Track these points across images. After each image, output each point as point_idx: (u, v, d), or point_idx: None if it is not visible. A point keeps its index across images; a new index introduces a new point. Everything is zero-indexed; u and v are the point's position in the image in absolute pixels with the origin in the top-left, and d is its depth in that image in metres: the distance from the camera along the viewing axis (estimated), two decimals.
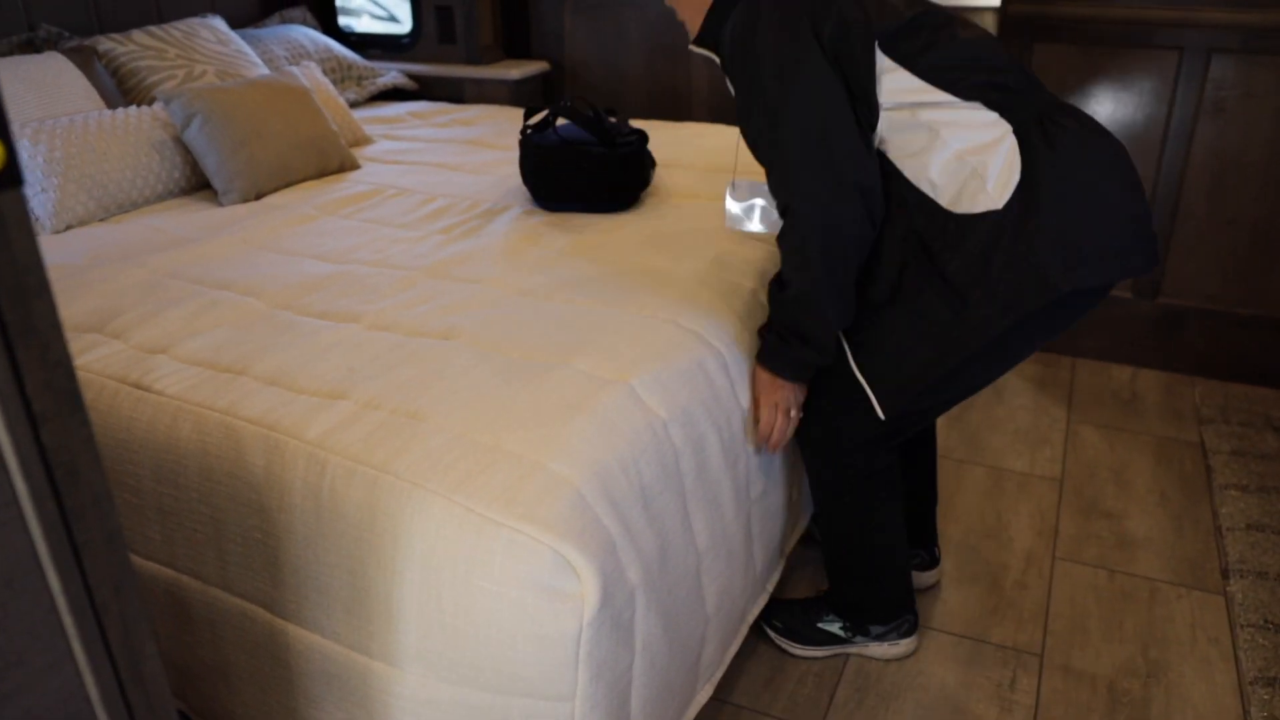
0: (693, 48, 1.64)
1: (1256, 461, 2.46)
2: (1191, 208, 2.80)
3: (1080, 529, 2.26)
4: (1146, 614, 2.00)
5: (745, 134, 1.56)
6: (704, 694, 1.57)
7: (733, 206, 1.89)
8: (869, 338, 1.57)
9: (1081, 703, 1.78)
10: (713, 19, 1.57)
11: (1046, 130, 1.44)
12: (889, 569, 1.80)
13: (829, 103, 1.44)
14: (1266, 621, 1.93)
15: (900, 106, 1.47)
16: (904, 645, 1.87)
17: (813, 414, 1.68)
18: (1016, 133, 1.44)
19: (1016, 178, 1.42)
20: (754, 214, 1.88)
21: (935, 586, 2.07)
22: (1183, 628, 1.96)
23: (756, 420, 1.62)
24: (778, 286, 1.57)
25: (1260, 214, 2.73)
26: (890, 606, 1.84)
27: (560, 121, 2.30)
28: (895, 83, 1.46)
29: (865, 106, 1.48)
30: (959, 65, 1.46)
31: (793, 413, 1.62)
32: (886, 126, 1.49)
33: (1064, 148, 1.43)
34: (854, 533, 1.77)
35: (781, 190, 1.50)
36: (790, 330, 1.55)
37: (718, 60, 1.61)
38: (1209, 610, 2.00)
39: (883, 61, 1.46)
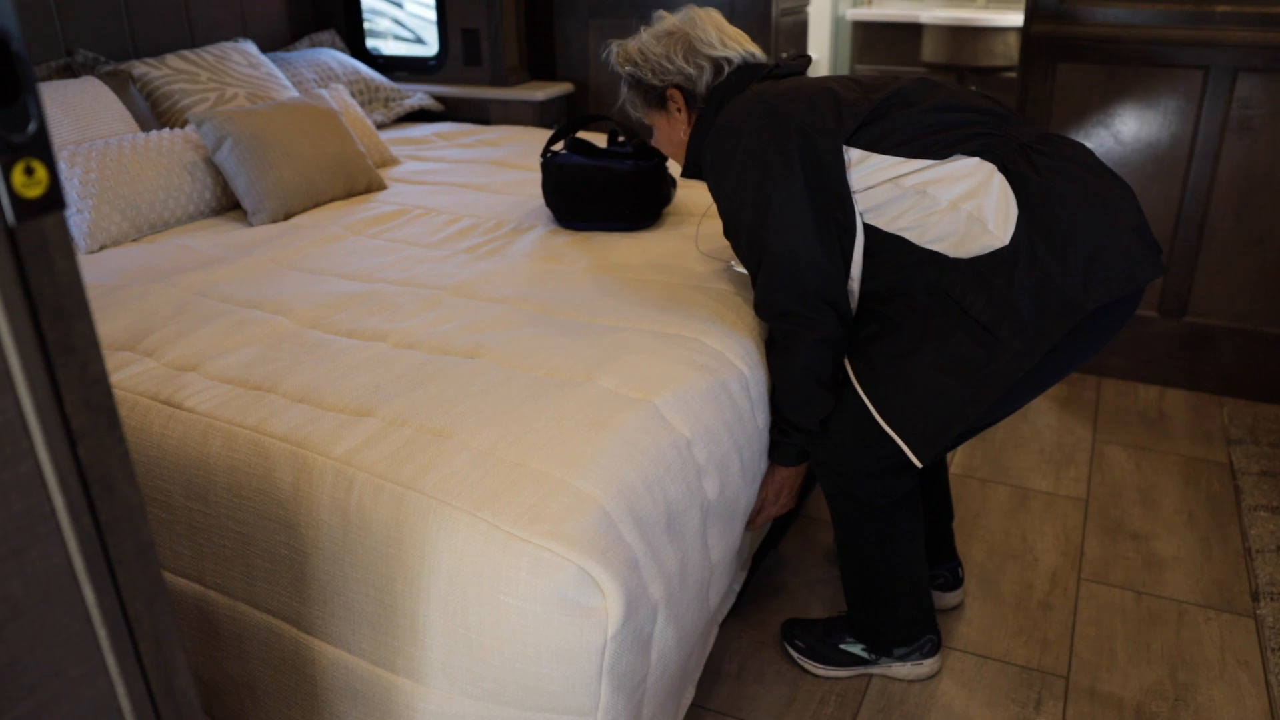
0: (683, 179, 1.79)
1: None
2: (1218, 226, 2.79)
3: (1106, 550, 2.24)
4: (1174, 636, 1.98)
5: (735, 251, 1.69)
6: (688, 696, 1.59)
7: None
8: (893, 391, 1.57)
9: None
10: (693, 150, 1.73)
11: (1031, 159, 1.49)
12: (909, 593, 1.80)
13: (798, 227, 1.54)
14: None
15: (879, 184, 1.52)
16: (927, 666, 1.86)
17: (831, 451, 1.68)
18: (1002, 169, 1.48)
19: (1014, 211, 1.46)
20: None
21: (959, 607, 2.06)
22: (1211, 650, 1.93)
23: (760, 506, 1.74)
24: (772, 388, 1.69)
25: None
26: (911, 628, 1.83)
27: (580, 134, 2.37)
28: (868, 168, 1.53)
29: (840, 209, 1.54)
30: (925, 131, 1.52)
31: (785, 496, 1.76)
32: (869, 205, 1.55)
33: (1051, 171, 1.48)
34: (874, 561, 1.76)
35: (763, 307, 1.64)
36: (787, 423, 1.68)
37: (706, 182, 1.71)
38: (1238, 633, 1.98)
39: (850, 154, 1.53)
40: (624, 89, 1.80)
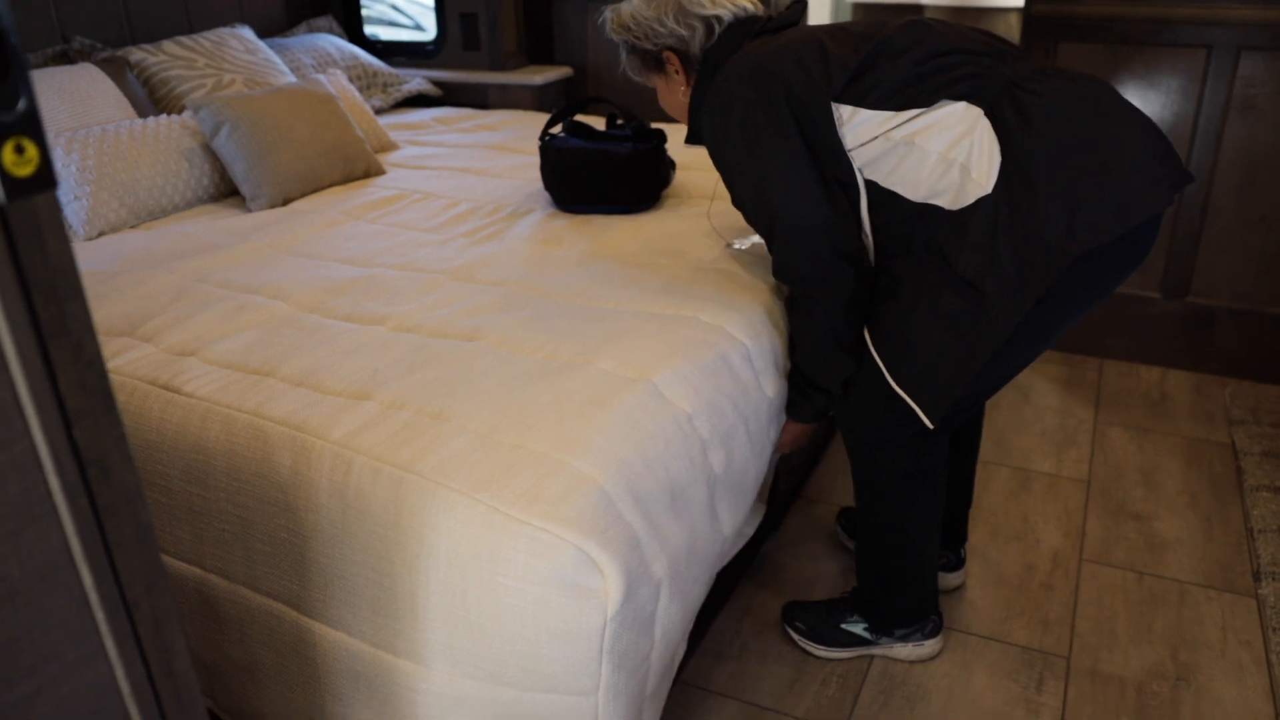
0: (687, 144, 1.76)
1: None
2: (1221, 206, 2.77)
3: (1108, 531, 2.24)
4: (1176, 616, 1.98)
5: (746, 219, 1.68)
6: (681, 648, 1.56)
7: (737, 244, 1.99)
8: (899, 349, 1.57)
9: (1109, 706, 1.77)
10: (694, 114, 1.70)
11: (1018, 100, 1.44)
12: (921, 570, 1.79)
13: (802, 191, 1.52)
14: None
15: (871, 139, 1.51)
16: (929, 646, 1.86)
17: (856, 417, 1.68)
18: (988, 114, 1.45)
19: (998, 158, 1.43)
20: (747, 239, 2.00)
21: (961, 588, 2.06)
22: (1213, 630, 1.94)
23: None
24: (792, 348, 1.70)
25: None
26: (916, 608, 1.83)
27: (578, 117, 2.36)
28: (858, 124, 1.51)
29: (837, 166, 1.53)
30: (911, 81, 1.49)
31: (801, 443, 1.80)
32: (865, 160, 1.53)
33: (1038, 111, 1.43)
34: (891, 534, 1.76)
35: (781, 272, 1.62)
36: (808, 383, 1.68)
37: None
38: (1240, 613, 1.98)
39: (840, 111, 1.51)
40: (622, 54, 1.79)
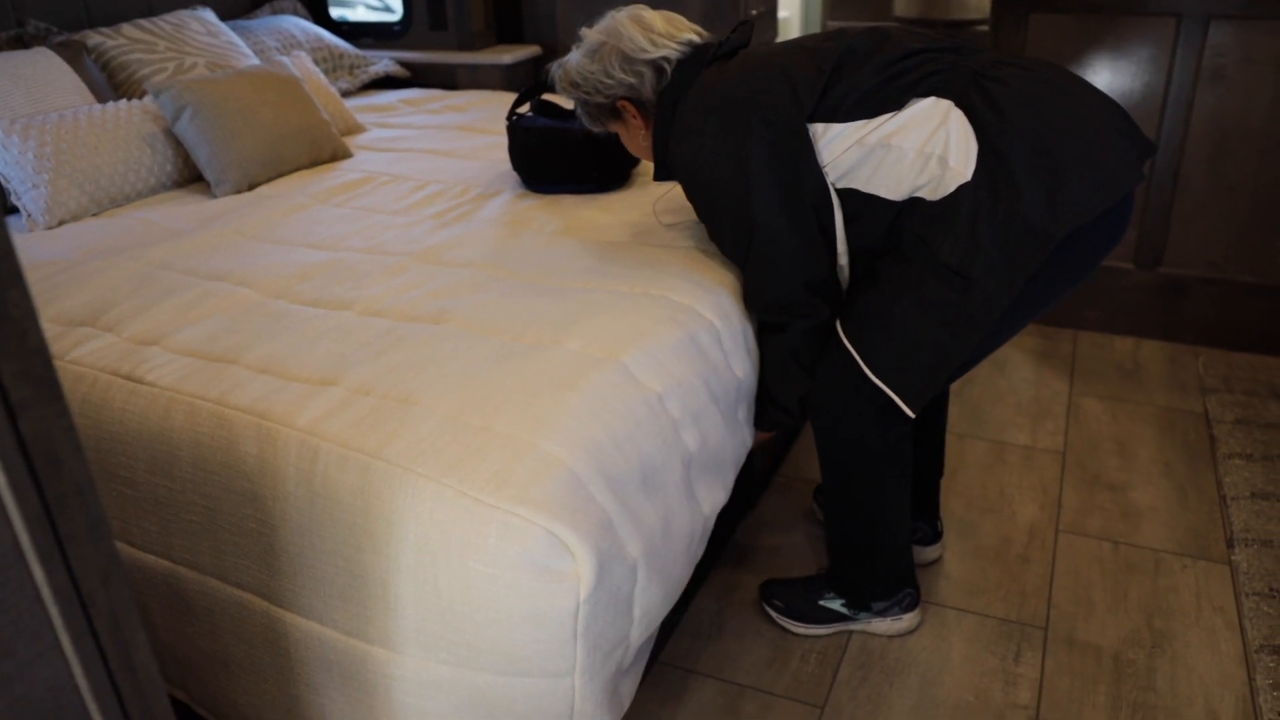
0: (657, 181, 1.76)
1: (1260, 430, 2.45)
2: (1192, 176, 2.78)
3: (1083, 501, 2.25)
4: (1151, 585, 1.99)
5: (720, 248, 1.70)
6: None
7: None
8: (878, 342, 1.56)
9: (1086, 675, 1.78)
10: (658, 153, 1.69)
11: (985, 89, 1.46)
12: (892, 545, 1.80)
13: (779, 227, 1.54)
14: (1271, 590, 1.92)
15: (846, 150, 1.51)
16: (906, 620, 1.87)
17: (825, 398, 1.67)
18: (959, 104, 1.46)
19: (974, 145, 1.44)
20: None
21: (938, 561, 2.07)
22: (1188, 598, 1.95)
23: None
24: (761, 365, 1.72)
25: (1262, 181, 2.70)
26: (891, 582, 1.83)
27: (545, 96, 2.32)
28: (832, 138, 1.51)
29: (812, 189, 1.53)
30: (878, 87, 1.50)
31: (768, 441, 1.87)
32: (841, 171, 1.53)
33: (1008, 98, 1.45)
34: (861, 510, 1.76)
35: (753, 299, 1.66)
36: (768, 397, 1.72)
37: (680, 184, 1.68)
38: (1214, 579, 1.99)
39: (814, 130, 1.52)
40: (578, 109, 1.76)
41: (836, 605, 1.86)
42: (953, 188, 1.45)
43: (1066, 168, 1.42)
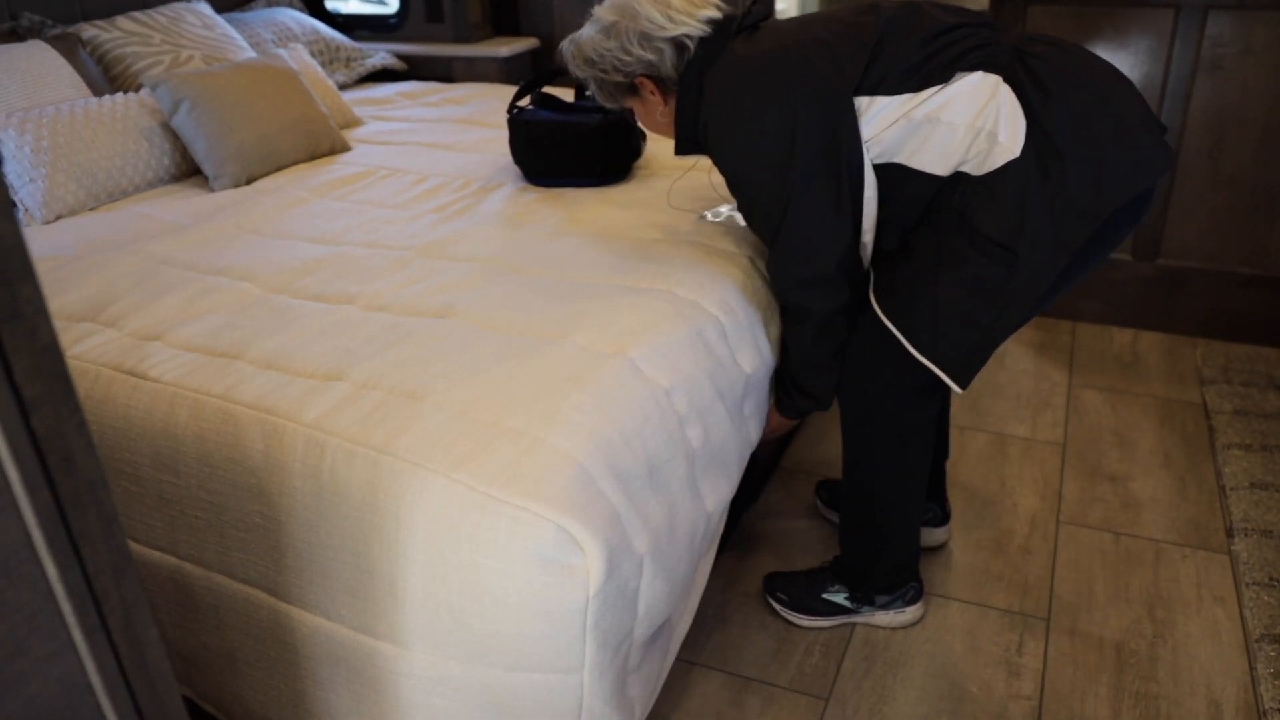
0: (679, 156, 1.72)
1: (1259, 420, 2.45)
2: (1190, 167, 2.78)
3: (1084, 492, 2.25)
4: (1152, 575, 2.00)
5: (750, 225, 1.66)
6: (684, 626, 1.56)
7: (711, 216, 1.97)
8: (921, 319, 1.55)
9: (1089, 665, 1.78)
10: (682, 128, 1.64)
11: (1028, 65, 1.46)
12: (903, 530, 1.80)
13: (816, 206, 1.51)
14: (1271, 579, 1.93)
15: (891, 124, 1.49)
16: (910, 613, 1.87)
17: (859, 378, 1.66)
18: (1006, 80, 1.45)
19: (1022, 121, 1.44)
20: (721, 211, 1.97)
21: (941, 551, 2.07)
22: (1188, 588, 1.96)
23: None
24: (784, 350, 1.71)
25: (1260, 172, 2.71)
26: (897, 572, 1.84)
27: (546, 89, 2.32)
28: (877, 112, 1.49)
29: (852, 167, 1.50)
30: (923, 61, 1.48)
31: (783, 432, 1.86)
32: (885, 146, 1.51)
33: (1050, 75, 1.45)
34: (878, 492, 1.75)
35: (779, 281, 1.62)
36: (795, 385, 1.71)
37: (710, 157, 1.64)
38: (1214, 569, 2.00)
39: (858, 103, 1.49)
40: (591, 86, 1.70)
41: (840, 598, 1.86)
42: (1000, 163, 1.44)
43: (1109, 147, 1.43)
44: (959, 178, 1.49)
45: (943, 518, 2.05)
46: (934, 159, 1.49)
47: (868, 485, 1.76)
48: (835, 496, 2.18)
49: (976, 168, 1.47)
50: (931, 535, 2.04)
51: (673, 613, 1.54)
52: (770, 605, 1.92)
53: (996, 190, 1.45)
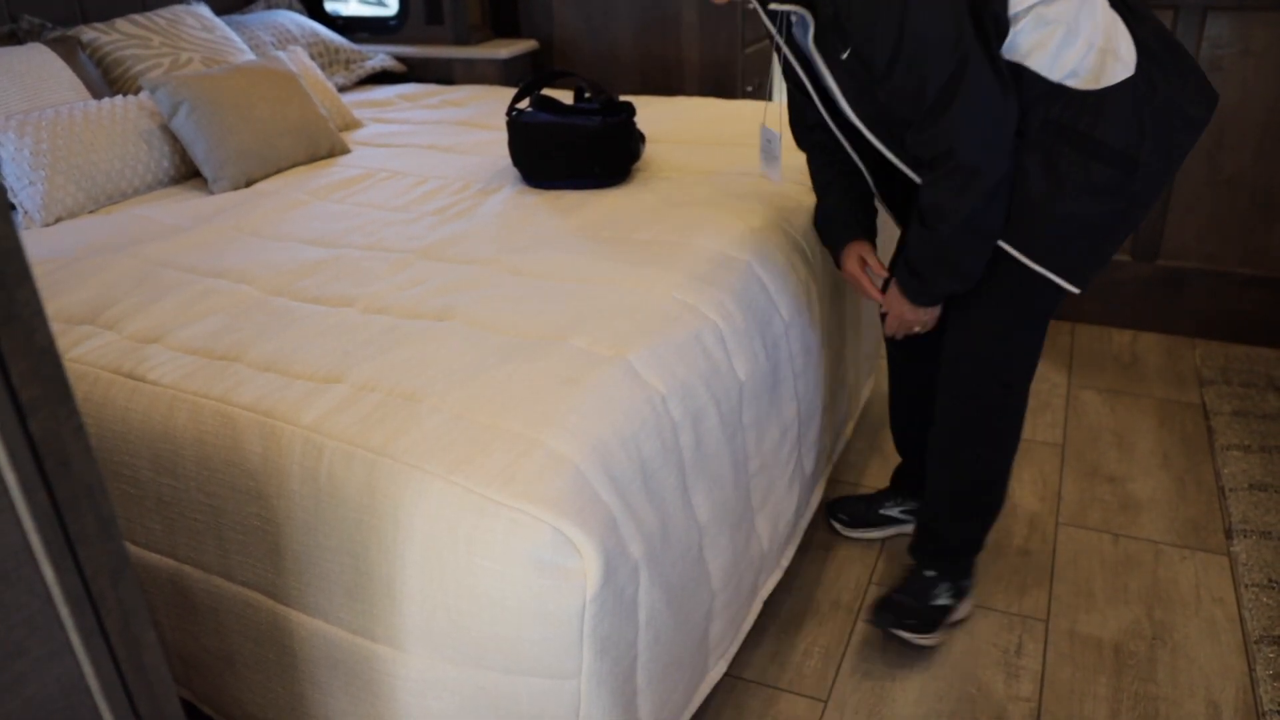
0: (776, 7, 1.55)
1: (1258, 421, 2.45)
2: (1190, 168, 2.78)
3: (1083, 493, 2.25)
4: (1151, 576, 2.00)
5: (883, 87, 1.50)
6: (717, 671, 1.57)
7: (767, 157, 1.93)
8: (1035, 231, 1.53)
9: (1088, 666, 1.78)
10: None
11: None
12: (998, 505, 1.82)
13: (991, 64, 1.43)
14: (1271, 581, 1.93)
15: (1024, 11, 1.46)
16: (965, 607, 1.88)
17: (987, 333, 1.65)
18: (1111, 4, 1.51)
19: (1130, 39, 1.50)
20: (776, 167, 1.94)
21: None
22: (1187, 589, 1.96)
23: (883, 318, 1.78)
24: (926, 227, 1.56)
25: (1260, 173, 2.71)
26: (979, 550, 1.85)
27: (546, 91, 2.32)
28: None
29: (997, 29, 1.46)
30: None
31: (918, 328, 1.73)
32: (1013, 38, 1.47)
33: (1133, 3, 1.54)
34: (993, 459, 1.74)
35: (943, 139, 1.47)
36: (940, 263, 1.58)
37: (809, 15, 1.50)
38: (1213, 571, 2.00)
39: None
40: None
41: (944, 598, 1.84)
42: (1115, 79, 1.47)
43: (1188, 61, 1.52)
44: (1059, 91, 1.48)
45: None
46: (1050, 62, 1.47)
47: (981, 456, 1.74)
48: (859, 513, 2.15)
49: (1086, 83, 1.48)
50: None
51: (709, 656, 1.53)
52: (897, 636, 1.83)
53: (1108, 103, 1.48)
